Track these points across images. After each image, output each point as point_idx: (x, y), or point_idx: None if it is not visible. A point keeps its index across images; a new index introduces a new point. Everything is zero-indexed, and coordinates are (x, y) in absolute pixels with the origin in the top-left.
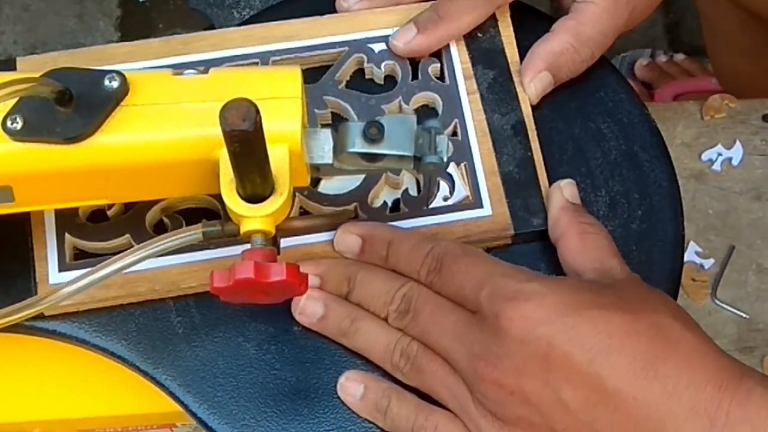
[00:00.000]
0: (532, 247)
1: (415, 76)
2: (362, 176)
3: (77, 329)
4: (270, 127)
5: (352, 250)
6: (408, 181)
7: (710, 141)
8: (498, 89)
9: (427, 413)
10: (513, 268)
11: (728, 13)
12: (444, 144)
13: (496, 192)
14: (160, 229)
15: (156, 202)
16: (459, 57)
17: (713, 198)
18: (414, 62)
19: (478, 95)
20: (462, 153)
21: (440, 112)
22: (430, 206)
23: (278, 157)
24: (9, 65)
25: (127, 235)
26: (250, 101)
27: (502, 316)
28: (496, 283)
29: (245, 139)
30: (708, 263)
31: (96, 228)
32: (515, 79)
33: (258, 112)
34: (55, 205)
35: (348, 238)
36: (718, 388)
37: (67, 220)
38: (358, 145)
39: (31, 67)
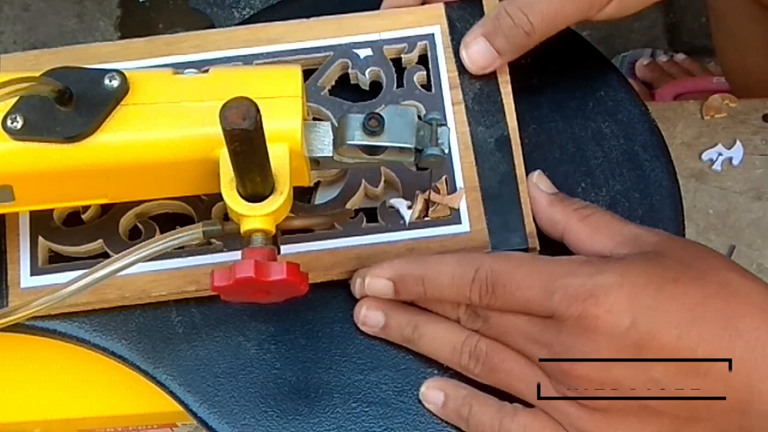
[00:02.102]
0: None
1: (400, 84)
2: (340, 188)
3: (77, 329)
4: (270, 125)
5: (386, 294)
6: (387, 192)
7: (710, 141)
8: (484, 100)
9: (512, 415)
10: (569, 262)
11: (737, 5)
12: (446, 136)
13: (475, 208)
14: (134, 234)
15: (130, 207)
16: (446, 66)
17: (713, 198)
18: (400, 69)
19: (463, 106)
20: (443, 166)
21: None
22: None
23: (278, 156)
24: None
25: (100, 240)
26: (251, 100)
27: (586, 315)
28: (566, 285)
29: (245, 138)
30: None
31: (70, 232)
32: (502, 90)
33: (258, 110)
34: (56, 205)
35: (378, 283)
36: None
37: (41, 223)
38: (358, 138)
39: (15, 65)
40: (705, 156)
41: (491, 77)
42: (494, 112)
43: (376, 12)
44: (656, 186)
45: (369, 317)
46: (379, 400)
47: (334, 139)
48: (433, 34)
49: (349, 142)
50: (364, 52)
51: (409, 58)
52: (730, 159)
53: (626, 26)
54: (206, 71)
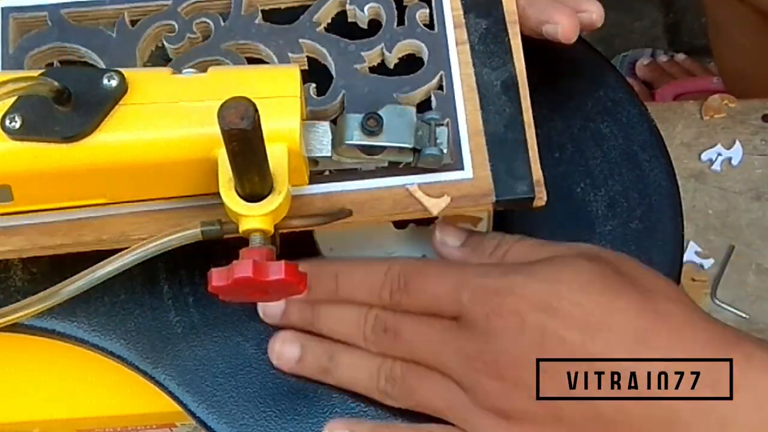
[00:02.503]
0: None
1: (401, 22)
2: None
3: (76, 329)
4: (268, 125)
5: None
6: None
7: (710, 141)
8: (490, 41)
9: None
10: (482, 266)
11: (736, 12)
12: (444, 136)
13: (479, 153)
14: None
15: None
16: (450, 3)
17: (713, 198)
18: (401, 7)
19: (467, 46)
20: (446, 109)
21: (425, 62)
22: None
23: (277, 155)
24: None
25: None
26: (249, 100)
27: (492, 314)
28: (476, 285)
29: (244, 138)
30: (708, 263)
31: None
32: (510, 30)
33: (256, 110)
34: (55, 204)
35: None
36: (714, 348)
37: None
38: (357, 138)
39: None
40: (704, 156)
41: (498, 16)
42: (501, 54)
43: None
44: (655, 186)
45: (284, 352)
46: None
47: (332, 139)
48: None
49: (347, 142)
50: None
51: None
52: (730, 159)
53: (626, 26)
54: (205, 71)
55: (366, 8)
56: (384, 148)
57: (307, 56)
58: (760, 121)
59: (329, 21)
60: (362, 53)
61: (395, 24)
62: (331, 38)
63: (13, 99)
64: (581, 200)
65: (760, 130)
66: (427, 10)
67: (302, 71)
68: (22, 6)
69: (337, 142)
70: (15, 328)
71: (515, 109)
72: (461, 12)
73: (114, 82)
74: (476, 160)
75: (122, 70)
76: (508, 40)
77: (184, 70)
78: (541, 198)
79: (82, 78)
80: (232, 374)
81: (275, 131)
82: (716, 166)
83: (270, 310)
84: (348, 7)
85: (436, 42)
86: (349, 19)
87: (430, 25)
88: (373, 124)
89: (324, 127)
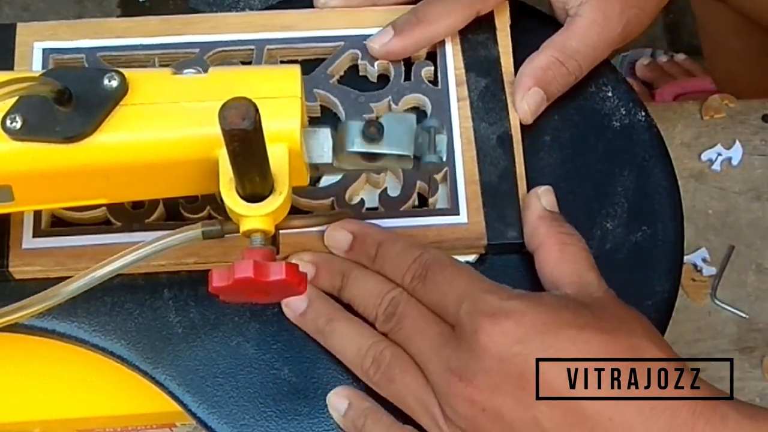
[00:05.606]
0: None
1: (408, 78)
2: (342, 173)
3: (77, 329)
4: (269, 126)
5: (342, 246)
6: (388, 180)
7: (710, 141)
8: (489, 98)
9: None
10: (495, 285)
11: (721, 15)
12: (444, 143)
13: (474, 200)
14: (138, 204)
15: None
16: (453, 63)
17: (713, 198)
18: (408, 63)
19: (468, 102)
20: (446, 159)
21: (428, 115)
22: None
23: (277, 156)
24: (9, 31)
25: (103, 208)
26: (250, 100)
27: (481, 332)
28: (477, 299)
29: (244, 138)
30: (709, 270)
31: None
32: (507, 89)
33: (257, 111)
34: (55, 204)
35: (339, 234)
36: (693, 412)
37: None
38: (358, 145)
39: (31, 33)
40: (704, 156)
41: (497, 76)
42: (498, 110)
43: (388, 8)
44: (656, 186)
45: (292, 301)
46: (379, 399)
47: (333, 146)
48: None
49: (348, 149)
50: None
51: (418, 53)
52: (730, 159)
53: None
54: (205, 71)
55: (376, 64)
56: (384, 155)
57: (320, 105)
58: (760, 121)
59: (342, 74)
60: (371, 104)
61: (402, 79)
62: (343, 89)
63: (13, 99)
64: (581, 200)
65: (760, 130)
66: (432, 68)
67: (314, 118)
68: (62, 48)
69: (338, 148)
70: (15, 328)
71: (509, 162)
72: (463, 71)
73: (115, 83)
74: (471, 206)
75: (123, 70)
76: (505, 98)
77: (185, 71)
78: None
79: (83, 78)
80: (232, 374)
81: (276, 131)
82: (716, 166)
83: (306, 257)
84: (360, 62)
85: (439, 97)
86: (360, 73)
87: (435, 82)
88: (373, 132)
89: (325, 134)
